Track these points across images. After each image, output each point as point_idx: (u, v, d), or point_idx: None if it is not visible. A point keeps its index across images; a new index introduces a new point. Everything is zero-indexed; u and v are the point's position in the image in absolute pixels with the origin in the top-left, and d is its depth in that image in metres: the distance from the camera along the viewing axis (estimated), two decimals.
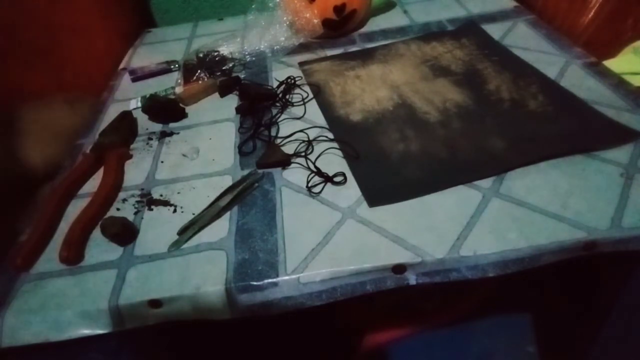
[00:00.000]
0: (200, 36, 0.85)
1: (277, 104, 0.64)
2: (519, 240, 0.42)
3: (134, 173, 0.55)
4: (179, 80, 0.70)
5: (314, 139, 0.56)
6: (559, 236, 0.42)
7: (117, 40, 0.83)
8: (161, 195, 0.52)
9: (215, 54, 0.73)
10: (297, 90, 0.66)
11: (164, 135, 0.61)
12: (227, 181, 0.52)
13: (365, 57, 0.72)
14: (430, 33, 0.77)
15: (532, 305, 0.74)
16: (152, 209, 0.50)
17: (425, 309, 0.74)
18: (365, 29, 0.81)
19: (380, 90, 0.64)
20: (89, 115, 0.66)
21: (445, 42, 0.73)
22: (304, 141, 0.56)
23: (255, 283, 0.42)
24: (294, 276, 0.42)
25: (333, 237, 0.44)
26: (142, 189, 0.53)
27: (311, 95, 0.65)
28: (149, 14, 0.91)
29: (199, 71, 0.69)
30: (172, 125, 0.63)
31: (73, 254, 0.45)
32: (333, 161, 0.53)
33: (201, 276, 0.42)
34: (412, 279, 0.43)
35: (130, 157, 0.58)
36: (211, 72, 0.69)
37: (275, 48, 0.74)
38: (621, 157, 0.49)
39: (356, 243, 0.44)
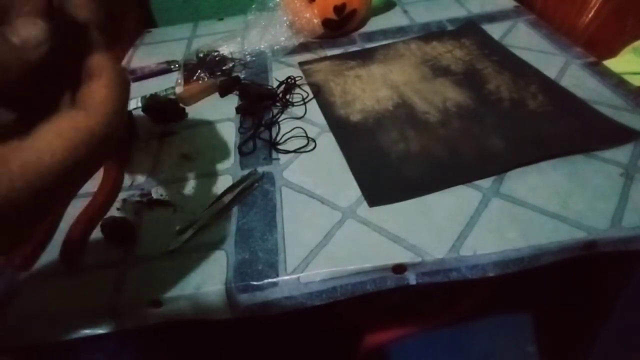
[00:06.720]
0: (200, 36, 0.85)
1: (277, 104, 0.64)
2: (519, 240, 0.42)
3: (134, 173, 0.55)
4: (179, 80, 0.69)
5: (314, 139, 0.56)
6: (559, 236, 0.42)
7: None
8: (161, 195, 0.52)
9: (215, 54, 0.73)
10: (297, 90, 0.66)
11: (164, 135, 0.61)
12: (227, 181, 0.52)
13: (365, 57, 0.72)
14: (430, 33, 0.77)
15: (532, 305, 0.74)
16: (152, 209, 0.50)
17: (425, 309, 0.74)
18: (365, 29, 0.81)
19: (380, 90, 0.64)
20: None
21: (445, 42, 0.73)
22: (305, 137, 0.56)
23: (255, 283, 0.42)
24: (294, 276, 0.42)
25: (333, 237, 0.44)
26: (142, 189, 0.53)
27: (311, 95, 0.65)
28: (149, 14, 0.91)
29: (199, 71, 0.69)
30: (172, 125, 0.63)
31: (73, 254, 0.45)
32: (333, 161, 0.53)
33: (201, 276, 0.42)
34: (412, 278, 0.43)
35: (131, 157, 0.58)
36: (211, 72, 0.69)
37: (275, 48, 0.74)
38: (621, 157, 0.49)
39: (356, 243, 0.44)
